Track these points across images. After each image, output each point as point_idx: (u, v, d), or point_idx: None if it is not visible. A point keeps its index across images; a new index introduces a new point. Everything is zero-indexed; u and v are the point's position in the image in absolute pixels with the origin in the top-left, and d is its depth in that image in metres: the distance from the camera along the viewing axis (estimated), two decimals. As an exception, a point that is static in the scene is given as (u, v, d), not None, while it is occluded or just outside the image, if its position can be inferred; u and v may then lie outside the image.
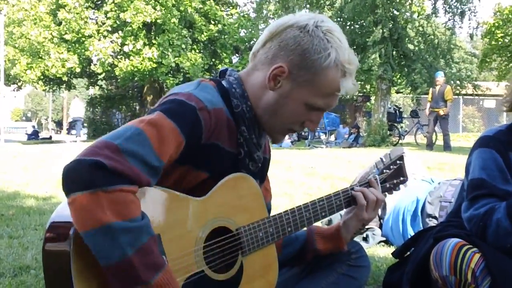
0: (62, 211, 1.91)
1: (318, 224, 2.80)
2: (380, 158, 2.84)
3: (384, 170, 2.78)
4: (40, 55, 31.48)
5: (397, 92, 39.16)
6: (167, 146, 1.93)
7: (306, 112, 2.27)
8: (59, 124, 59.63)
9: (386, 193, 2.76)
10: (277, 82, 2.23)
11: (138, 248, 1.75)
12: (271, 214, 2.40)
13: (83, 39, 31.29)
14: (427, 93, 21.23)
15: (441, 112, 18.55)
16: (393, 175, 2.79)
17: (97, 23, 32.15)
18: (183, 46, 31.50)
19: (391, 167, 2.79)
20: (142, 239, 1.77)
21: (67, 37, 30.93)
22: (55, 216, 1.94)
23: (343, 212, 2.68)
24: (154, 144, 1.88)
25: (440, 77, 19.04)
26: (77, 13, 30.69)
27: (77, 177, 1.74)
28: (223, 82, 2.31)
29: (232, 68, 2.44)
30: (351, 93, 2.34)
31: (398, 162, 2.82)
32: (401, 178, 2.81)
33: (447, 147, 18.45)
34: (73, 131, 32.80)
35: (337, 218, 5.20)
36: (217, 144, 2.15)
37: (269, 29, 2.30)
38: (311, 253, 2.69)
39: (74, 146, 21.48)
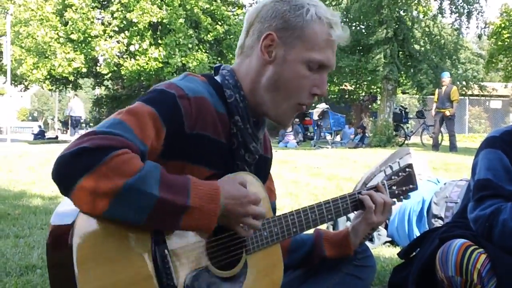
0: (61, 209, 1.91)
1: (323, 226, 2.79)
2: (390, 165, 2.82)
3: (393, 177, 2.76)
4: (47, 55, 31.51)
5: (403, 92, 39.14)
6: (148, 130, 1.94)
7: (308, 74, 2.22)
8: (65, 124, 59.79)
9: (395, 199, 2.74)
10: (270, 52, 2.22)
11: (159, 185, 1.79)
12: (277, 214, 2.39)
13: (89, 39, 31.34)
14: (433, 94, 21.23)
15: (447, 113, 18.53)
16: (402, 182, 2.76)
17: (103, 23, 32.18)
18: (190, 45, 31.51)
19: (400, 174, 2.77)
20: (155, 175, 1.80)
21: (74, 37, 30.95)
22: (58, 210, 1.94)
23: (351, 215, 2.67)
24: (135, 130, 1.89)
25: (446, 77, 19.01)
26: (83, 13, 30.73)
27: (69, 169, 1.75)
28: (217, 77, 2.31)
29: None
30: (345, 41, 2.30)
31: (407, 170, 2.80)
32: (410, 186, 2.79)
33: (453, 147, 18.42)
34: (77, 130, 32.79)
35: (341, 221, 5.21)
36: (205, 135, 2.12)
37: (247, 18, 2.33)
38: (318, 258, 2.68)
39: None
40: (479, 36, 26.24)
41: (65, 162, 1.75)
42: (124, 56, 31.89)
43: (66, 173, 1.75)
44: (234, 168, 2.27)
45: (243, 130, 2.24)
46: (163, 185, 1.80)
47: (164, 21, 30.81)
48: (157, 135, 1.98)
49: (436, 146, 19.03)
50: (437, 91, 19.39)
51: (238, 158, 2.27)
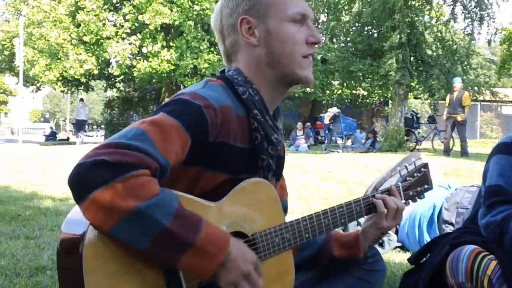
0: (73, 218, 1.91)
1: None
2: (405, 165, 2.82)
3: (408, 178, 2.75)
4: (59, 57, 31.60)
5: (415, 97, 39.09)
6: (172, 144, 1.91)
7: (295, 29, 2.27)
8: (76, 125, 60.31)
9: (410, 200, 2.73)
10: (252, 33, 2.27)
11: (172, 216, 1.77)
12: (288, 219, 2.38)
13: (101, 41, 31.41)
14: (444, 99, 21.18)
15: (459, 118, 18.49)
16: (417, 182, 2.76)
17: (115, 25, 32.24)
18: (201, 47, 31.55)
19: (415, 174, 2.76)
20: (172, 205, 1.79)
21: (86, 38, 31.04)
22: (70, 217, 1.94)
23: (362, 219, 2.66)
24: (157, 143, 1.86)
25: (457, 83, 18.96)
26: (95, 15, 30.81)
27: (86, 179, 1.73)
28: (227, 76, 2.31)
29: None
30: None
31: (422, 169, 2.79)
32: (425, 186, 2.78)
33: (464, 153, 18.39)
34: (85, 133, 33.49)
35: (351, 225, 5.20)
36: (227, 142, 2.11)
37: (214, 27, 2.41)
38: (327, 257, 2.67)
39: (91, 147, 21.53)
40: (489, 42, 26.16)
41: (83, 171, 1.73)
42: (137, 58, 31.91)
43: (82, 182, 1.73)
44: (256, 171, 2.27)
45: (263, 122, 2.24)
46: (175, 218, 1.78)
47: (176, 23, 30.85)
48: (182, 147, 1.97)
49: (447, 152, 18.99)
50: (448, 96, 19.34)
51: (262, 152, 2.26)
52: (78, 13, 30.84)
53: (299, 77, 2.30)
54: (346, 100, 40.18)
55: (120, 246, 1.80)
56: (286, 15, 2.25)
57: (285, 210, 2.53)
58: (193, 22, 31.01)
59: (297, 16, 2.27)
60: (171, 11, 30.39)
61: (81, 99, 38.39)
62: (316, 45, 2.33)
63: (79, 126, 35.34)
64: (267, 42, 2.26)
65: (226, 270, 1.90)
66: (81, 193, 1.73)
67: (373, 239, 2.63)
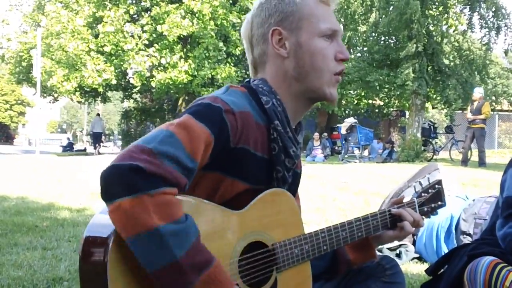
0: (99, 220, 1.90)
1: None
2: (419, 181, 2.81)
3: (423, 194, 2.74)
4: (77, 67, 31.76)
5: (433, 107, 39.02)
6: (199, 146, 1.92)
7: (326, 44, 2.27)
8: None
9: (424, 216, 2.73)
10: (283, 46, 2.26)
11: (187, 250, 1.76)
12: (307, 231, 2.38)
13: (120, 52, 31.55)
14: (461, 109, 21.15)
15: (479, 125, 18.51)
16: (431, 199, 2.75)
17: (133, 36, 32.38)
18: (219, 57, 31.64)
19: (430, 190, 2.76)
20: (190, 239, 1.78)
21: (107, 49, 31.19)
22: (92, 225, 1.93)
23: None
24: (186, 145, 1.87)
25: (477, 93, 18.97)
26: (117, 28, 30.96)
27: (117, 183, 1.73)
28: (252, 86, 2.32)
29: None
30: (337, 3, 2.39)
31: (436, 186, 2.78)
32: (439, 203, 2.77)
33: (481, 163, 18.35)
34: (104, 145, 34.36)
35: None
36: (247, 149, 2.11)
37: (244, 36, 2.40)
38: (344, 264, 2.65)
39: (108, 158, 21.61)
40: (506, 52, 26.07)
41: (119, 174, 1.74)
42: (158, 68, 32.02)
43: (115, 185, 1.73)
44: (271, 182, 2.26)
45: (282, 134, 2.23)
46: (191, 252, 1.77)
47: (195, 34, 30.95)
48: (206, 150, 1.97)
49: (465, 162, 18.93)
50: (469, 106, 19.36)
51: (278, 163, 2.25)
52: (97, 24, 31.03)
53: (325, 94, 2.30)
54: (363, 110, 40.11)
55: None
56: (318, 30, 2.26)
57: None
58: (213, 33, 31.14)
59: (328, 32, 2.27)
60: (192, 23, 30.49)
61: (98, 114, 38.91)
62: (344, 62, 2.33)
63: (95, 138, 36.36)
64: (297, 55, 2.26)
65: None
66: (111, 195, 1.74)
67: (385, 243, 2.65)
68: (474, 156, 19.90)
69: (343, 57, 2.30)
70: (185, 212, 1.82)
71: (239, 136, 2.07)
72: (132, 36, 32.19)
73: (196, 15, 30.91)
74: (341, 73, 2.32)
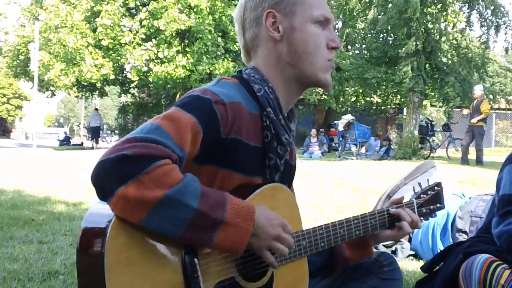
0: (96, 210, 1.92)
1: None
2: (419, 182, 2.81)
3: (422, 195, 2.75)
4: (75, 62, 31.70)
5: (432, 105, 39.01)
6: (186, 135, 1.94)
7: (319, 31, 2.28)
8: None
9: (422, 218, 2.73)
10: (277, 29, 2.28)
11: (199, 197, 1.81)
12: (305, 228, 2.38)
13: (118, 46, 31.51)
14: (460, 107, 21.15)
15: (473, 121, 18.50)
16: (430, 200, 2.75)
17: (131, 31, 32.32)
18: (218, 53, 31.64)
19: (429, 192, 2.76)
20: (196, 188, 1.83)
21: (104, 43, 31.15)
22: (89, 215, 1.94)
23: None
24: (173, 135, 1.89)
25: (477, 90, 19.02)
26: (114, 21, 30.92)
27: (108, 177, 1.75)
28: (243, 76, 2.33)
29: None
30: None
31: (436, 188, 2.78)
32: (438, 205, 2.77)
33: (479, 162, 18.37)
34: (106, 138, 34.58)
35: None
36: (239, 140, 2.12)
37: (236, 19, 2.41)
38: (341, 261, 2.65)
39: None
40: (506, 50, 26.05)
41: (106, 168, 1.76)
42: (155, 61, 31.96)
43: (107, 179, 1.76)
44: (264, 170, 2.28)
45: (275, 121, 2.24)
46: (202, 198, 1.82)
47: (193, 29, 30.91)
48: (194, 140, 1.98)
49: (465, 160, 18.90)
50: (471, 105, 19.40)
51: (271, 151, 2.27)
52: (95, 18, 30.99)
53: (319, 80, 2.32)
54: (360, 107, 40.12)
55: (143, 239, 1.83)
56: (311, 16, 2.27)
57: None
58: (212, 27, 31.11)
59: (321, 18, 2.29)
60: (189, 17, 30.46)
61: (96, 109, 38.99)
62: (334, 51, 2.35)
63: (93, 133, 36.41)
64: (290, 39, 2.27)
65: (258, 238, 1.97)
66: (108, 189, 1.76)
67: (383, 242, 2.66)
68: (471, 155, 19.89)
69: (335, 45, 2.32)
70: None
71: (230, 126, 2.09)
72: (130, 30, 32.16)
73: (194, 9, 30.87)
74: (331, 61, 2.34)
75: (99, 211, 1.86)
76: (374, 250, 2.70)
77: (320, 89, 2.67)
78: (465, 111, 19.62)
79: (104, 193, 1.77)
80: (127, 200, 1.74)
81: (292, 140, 2.39)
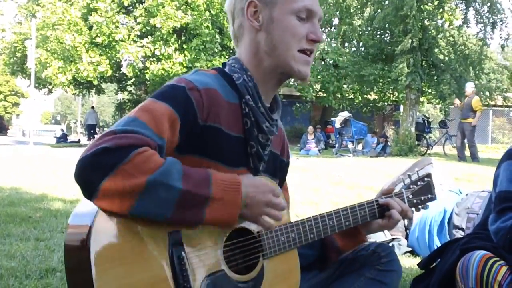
0: (80, 210, 1.93)
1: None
2: (408, 174, 2.81)
3: (411, 186, 2.76)
4: (72, 59, 31.68)
5: (429, 102, 39.03)
6: (163, 123, 1.96)
7: (299, 23, 2.28)
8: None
9: (413, 209, 2.73)
10: (257, 18, 2.29)
11: (182, 177, 1.84)
12: (294, 220, 2.39)
13: (114, 43, 31.50)
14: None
15: (470, 121, 18.45)
16: (420, 191, 2.76)
17: (127, 28, 32.30)
18: (215, 50, 31.64)
19: (419, 183, 2.76)
20: (178, 170, 1.86)
21: (98, 40, 31.13)
22: (75, 213, 1.96)
23: None
24: (149, 124, 1.92)
25: (468, 88, 18.97)
26: (108, 17, 30.89)
27: (90, 172, 1.76)
28: (225, 69, 2.35)
29: None
30: None
31: (426, 179, 2.79)
32: (429, 196, 2.77)
33: (474, 158, 18.36)
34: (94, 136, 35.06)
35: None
36: (219, 128, 2.14)
37: (227, 8, 2.43)
38: (333, 252, 2.67)
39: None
40: (502, 47, 26.04)
41: (87, 164, 1.76)
42: (151, 59, 31.96)
43: (89, 174, 1.76)
44: (249, 162, 2.30)
45: (254, 108, 2.26)
46: (185, 178, 1.85)
47: (190, 25, 30.90)
48: (172, 128, 2.00)
49: (460, 157, 18.89)
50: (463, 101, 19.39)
51: (251, 138, 2.28)
52: (91, 15, 30.95)
53: (292, 70, 2.31)
54: (357, 104, 40.11)
55: (129, 233, 1.84)
56: (291, 8, 2.27)
57: None
58: (209, 24, 31.10)
59: (302, 10, 2.28)
60: (186, 14, 30.43)
61: (92, 107, 39.18)
62: (316, 43, 2.34)
63: (89, 130, 36.92)
64: (268, 29, 2.29)
65: (249, 207, 2.02)
66: (91, 186, 1.76)
67: (374, 232, 2.67)
68: (466, 151, 19.89)
69: (314, 38, 2.31)
70: None
71: (207, 112, 2.11)
72: (127, 27, 32.11)
73: (191, 6, 30.85)
74: (310, 53, 2.33)
75: (84, 208, 1.87)
76: (371, 240, 2.71)
77: (298, 81, 2.63)
78: (457, 101, 19.60)
79: (88, 188, 1.77)
80: (112, 193, 1.75)
81: (275, 129, 2.39)
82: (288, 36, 2.27)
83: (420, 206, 2.76)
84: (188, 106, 2.05)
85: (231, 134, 2.20)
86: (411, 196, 2.73)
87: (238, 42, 2.41)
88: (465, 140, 19.04)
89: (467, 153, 19.26)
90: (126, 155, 1.76)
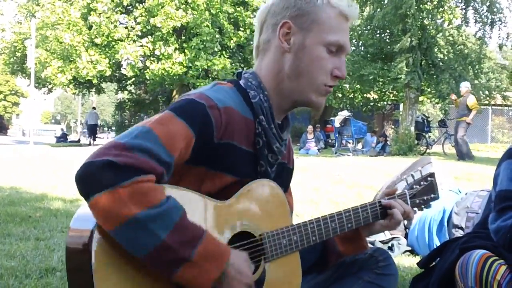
0: (84, 212, 1.93)
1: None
2: (411, 174, 2.81)
3: (414, 186, 2.74)
4: (71, 59, 31.66)
5: (430, 101, 39.07)
6: (177, 141, 1.94)
7: (327, 56, 2.27)
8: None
9: (416, 209, 2.72)
10: (288, 40, 2.27)
11: (171, 229, 1.78)
12: (296, 222, 2.39)
13: (113, 43, 31.48)
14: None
15: (467, 120, 18.40)
16: (423, 191, 2.74)
17: (126, 28, 32.29)
18: (216, 49, 31.61)
19: (422, 183, 2.75)
20: (172, 219, 1.80)
21: (97, 40, 31.12)
22: (77, 216, 1.97)
23: None
24: (163, 140, 1.89)
25: (463, 87, 18.92)
26: (107, 17, 30.88)
27: (91, 180, 1.75)
28: (240, 82, 2.33)
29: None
30: (356, 19, 2.38)
31: (429, 179, 2.77)
32: (432, 195, 2.76)
33: (461, 156, 18.17)
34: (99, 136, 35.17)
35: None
36: (232, 144, 2.13)
37: (258, 18, 2.39)
38: (334, 256, 2.65)
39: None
40: (500, 46, 26.05)
41: (91, 171, 1.76)
42: (151, 58, 31.95)
43: (89, 182, 1.76)
44: (256, 175, 2.27)
45: (267, 129, 2.25)
46: (175, 230, 1.80)
47: (190, 25, 30.88)
48: (187, 145, 1.99)
49: (461, 156, 18.82)
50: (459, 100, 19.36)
51: (262, 158, 2.27)
52: (90, 15, 30.93)
53: (311, 101, 2.32)
54: (357, 104, 40.07)
55: None
56: (325, 39, 2.26)
57: None
58: (209, 23, 31.07)
59: (334, 47, 2.27)
60: (186, 13, 30.41)
61: (93, 107, 39.30)
62: (338, 79, 2.33)
63: (90, 130, 37.07)
64: (297, 54, 2.26)
65: (223, 284, 1.93)
66: (88, 191, 1.76)
67: (376, 234, 2.66)
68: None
69: (339, 75, 2.31)
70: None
71: (223, 131, 2.09)
72: (126, 27, 32.11)
73: (191, 5, 30.82)
74: (330, 87, 2.33)
75: (87, 211, 1.85)
76: (370, 246, 2.71)
77: (312, 110, 2.64)
78: (453, 96, 19.59)
79: (85, 193, 1.78)
80: (101, 208, 1.74)
81: (284, 149, 2.39)
82: (315, 67, 2.26)
83: (423, 206, 2.76)
84: (206, 125, 2.04)
85: (243, 148, 2.19)
86: (414, 197, 2.72)
87: (259, 55, 2.38)
88: (466, 139, 18.98)
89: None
90: (127, 178, 1.75)
